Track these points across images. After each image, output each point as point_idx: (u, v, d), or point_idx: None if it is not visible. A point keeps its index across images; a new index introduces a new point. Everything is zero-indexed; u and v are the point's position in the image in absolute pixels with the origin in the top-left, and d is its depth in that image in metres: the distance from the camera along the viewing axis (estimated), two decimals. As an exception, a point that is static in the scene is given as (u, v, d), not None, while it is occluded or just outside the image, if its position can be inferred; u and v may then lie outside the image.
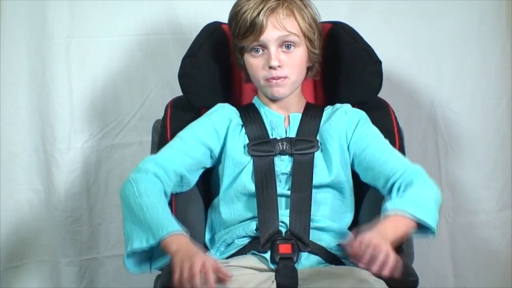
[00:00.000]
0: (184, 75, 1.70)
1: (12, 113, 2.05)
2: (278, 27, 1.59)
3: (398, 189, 1.53)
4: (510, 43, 2.11)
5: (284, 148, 1.60)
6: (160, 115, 1.77)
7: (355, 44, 1.71)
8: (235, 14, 1.62)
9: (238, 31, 1.61)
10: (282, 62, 1.60)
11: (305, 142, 1.61)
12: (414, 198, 1.50)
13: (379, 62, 1.70)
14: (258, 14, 1.57)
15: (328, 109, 1.69)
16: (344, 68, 1.71)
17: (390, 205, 1.48)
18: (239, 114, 1.68)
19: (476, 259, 2.16)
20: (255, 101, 1.71)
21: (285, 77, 1.62)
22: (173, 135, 1.69)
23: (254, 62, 1.63)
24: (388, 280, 1.45)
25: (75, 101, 2.05)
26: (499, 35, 2.10)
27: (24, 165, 2.08)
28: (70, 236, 2.09)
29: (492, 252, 2.16)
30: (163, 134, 1.72)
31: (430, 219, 1.48)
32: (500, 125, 2.14)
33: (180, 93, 1.75)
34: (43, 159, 2.07)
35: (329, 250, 1.55)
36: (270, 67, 1.60)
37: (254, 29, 1.58)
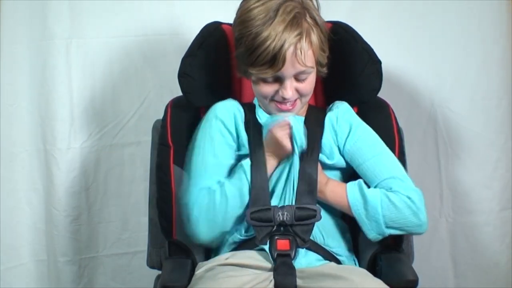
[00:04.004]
0: (183, 75, 1.70)
1: (12, 113, 2.06)
2: (297, 64, 1.54)
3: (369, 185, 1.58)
4: (511, 42, 2.11)
5: (285, 218, 1.52)
6: (158, 115, 1.77)
7: (355, 44, 1.70)
8: (250, 36, 1.53)
9: (254, 60, 1.53)
10: (294, 90, 1.58)
11: (307, 210, 1.54)
12: (368, 197, 1.53)
13: (379, 62, 1.70)
14: (280, 49, 1.50)
15: (328, 110, 1.69)
16: (344, 68, 1.70)
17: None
18: (243, 110, 1.67)
19: (476, 259, 2.16)
20: (256, 102, 1.71)
21: (295, 100, 1.61)
22: (173, 135, 1.70)
23: (265, 89, 1.59)
24: (387, 280, 1.46)
25: (74, 101, 2.06)
26: (499, 35, 2.10)
27: (24, 165, 2.08)
28: (69, 235, 2.09)
29: (492, 252, 2.15)
30: (163, 134, 1.71)
31: (361, 218, 1.53)
32: (502, 124, 2.13)
33: (179, 93, 1.74)
34: (43, 159, 2.08)
35: (326, 248, 1.56)
36: (284, 98, 1.58)
37: (273, 64, 1.52)
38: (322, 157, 1.60)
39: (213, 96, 1.70)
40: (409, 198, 1.54)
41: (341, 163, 1.62)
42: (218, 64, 1.70)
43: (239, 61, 1.60)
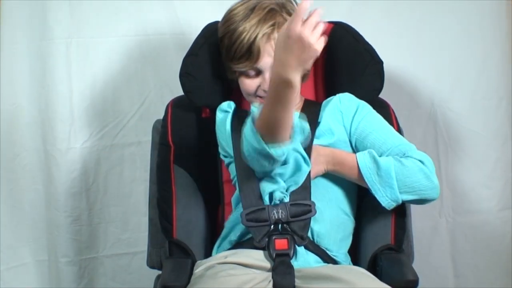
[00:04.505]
0: (185, 74, 1.70)
1: (12, 113, 2.05)
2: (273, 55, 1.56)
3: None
4: (511, 42, 2.11)
5: (280, 216, 1.53)
6: (159, 115, 1.77)
7: (357, 44, 1.71)
8: (229, 33, 1.60)
9: (233, 54, 1.60)
10: None
11: (301, 206, 1.54)
12: (380, 162, 1.54)
13: (381, 63, 1.70)
14: (254, 40, 1.56)
15: (324, 102, 1.69)
16: (346, 68, 1.71)
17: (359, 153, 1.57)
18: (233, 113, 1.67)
19: (476, 259, 2.16)
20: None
21: None
22: (174, 135, 1.70)
23: (248, 83, 1.63)
24: (387, 281, 1.46)
25: (75, 101, 2.05)
26: (499, 35, 2.10)
27: (24, 165, 2.08)
28: (70, 236, 2.09)
29: (492, 252, 2.16)
30: (163, 134, 1.72)
31: (374, 185, 1.53)
32: (501, 125, 2.14)
33: (179, 93, 1.75)
34: (43, 159, 2.07)
35: (325, 251, 1.56)
36: (265, 91, 1.58)
37: (250, 56, 1.58)
38: (320, 141, 1.60)
39: (215, 95, 1.71)
40: (421, 161, 1.56)
41: (343, 140, 1.62)
42: (219, 64, 1.70)
43: (224, 62, 1.64)
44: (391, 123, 1.70)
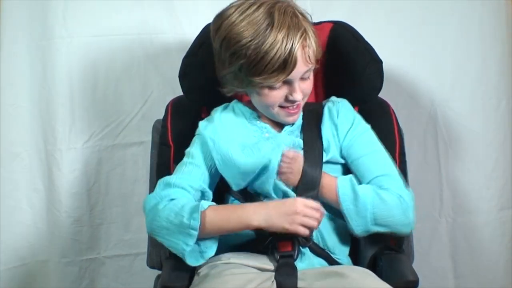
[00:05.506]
0: (184, 75, 1.70)
1: (13, 113, 2.05)
2: (306, 62, 1.51)
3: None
4: (510, 43, 2.11)
5: None
6: (161, 115, 1.77)
7: (356, 44, 1.71)
8: (253, 46, 1.48)
9: (263, 68, 1.48)
10: (301, 91, 1.56)
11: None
12: (359, 193, 1.52)
13: (380, 62, 1.70)
14: (290, 51, 1.47)
15: (324, 103, 1.67)
16: (345, 67, 1.71)
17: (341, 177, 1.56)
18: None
19: (476, 259, 2.16)
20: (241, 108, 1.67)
21: (300, 102, 1.58)
22: (174, 135, 1.71)
23: (273, 95, 1.54)
24: (387, 281, 1.46)
25: (75, 101, 2.05)
26: (499, 35, 2.10)
27: (24, 165, 2.08)
28: (71, 237, 2.09)
29: (492, 252, 2.16)
30: (163, 134, 1.72)
31: (349, 214, 1.51)
32: (500, 125, 2.14)
33: (181, 93, 1.75)
34: (43, 159, 2.07)
35: (330, 254, 1.56)
36: (293, 101, 1.55)
37: (284, 68, 1.48)
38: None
39: (213, 96, 1.70)
40: (400, 196, 1.53)
41: (337, 157, 1.60)
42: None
43: (236, 75, 1.55)
44: (391, 123, 1.71)
